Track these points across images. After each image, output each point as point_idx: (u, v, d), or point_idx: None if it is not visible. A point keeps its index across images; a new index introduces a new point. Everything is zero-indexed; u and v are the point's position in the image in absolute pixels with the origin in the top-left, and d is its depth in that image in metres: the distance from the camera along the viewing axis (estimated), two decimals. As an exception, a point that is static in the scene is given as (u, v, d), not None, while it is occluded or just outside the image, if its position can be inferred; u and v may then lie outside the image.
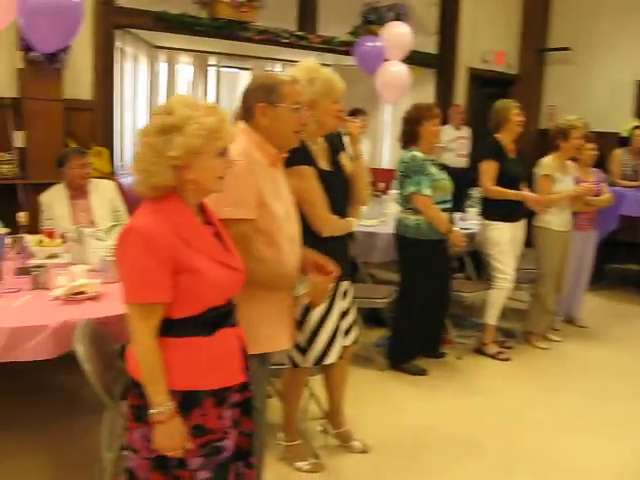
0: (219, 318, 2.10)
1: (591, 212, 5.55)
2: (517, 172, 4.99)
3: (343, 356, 3.31)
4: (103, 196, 4.67)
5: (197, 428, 2.04)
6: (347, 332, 3.40)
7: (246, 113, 2.60)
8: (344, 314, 3.35)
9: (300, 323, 3.09)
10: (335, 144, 3.28)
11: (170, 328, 2.00)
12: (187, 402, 2.03)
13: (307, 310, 3.10)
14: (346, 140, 3.36)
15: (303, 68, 3.08)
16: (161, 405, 1.97)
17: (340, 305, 3.26)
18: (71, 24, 3.77)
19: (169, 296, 1.96)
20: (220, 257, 2.09)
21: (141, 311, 1.96)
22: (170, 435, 1.99)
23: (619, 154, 7.36)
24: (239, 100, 2.68)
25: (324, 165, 3.16)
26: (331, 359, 3.21)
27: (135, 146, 2.03)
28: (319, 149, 3.17)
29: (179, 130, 1.93)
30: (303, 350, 3.17)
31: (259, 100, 2.56)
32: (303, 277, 2.65)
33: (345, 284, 3.35)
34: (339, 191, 3.20)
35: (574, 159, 5.61)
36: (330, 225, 3.10)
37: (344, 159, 3.29)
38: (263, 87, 2.58)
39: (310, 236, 2.93)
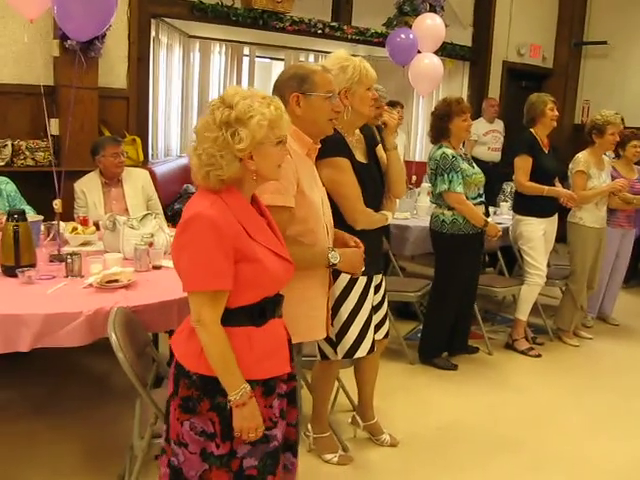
0: (272, 309, 2.12)
1: (630, 210, 5.45)
2: (551, 167, 4.93)
3: (375, 349, 3.29)
4: (136, 185, 4.69)
5: None
6: (378, 326, 3.38)
7: None
8: (376, 308, 3.34)
9: (332, 316, 3.07)
10: (371, 136, 3.26)
11: (227, 318, 2.01)
12: None
13: (338, 303, 3.10)
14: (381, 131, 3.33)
15: (334, 57, 3.07)
16: (239, 388, 1.99)
17: (371, 298, 3.24)
18: (105, 13, 3.78)
19: (232, 284, 1.97)
20: (275, 247, 2.10)
21: (209, 298, 1.96)
22: (251, 416, 2.01)
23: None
24: (272, 90, 2.68)
25: (360, 157, 3.14)
26: (361, 353, 3.19)
27: (194, 142, 2.03)
28: (356, 141, 3.15)
29: (243, 123, 1.94)
30: (333, 343, 3.16)
31: (292, 90, 2.58)
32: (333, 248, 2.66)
33: (378, 278, 3.34)
34: (374, 184, 3.18)
35: (617, 155, 5.55)
36: (364, 218, 3.08)
37: (380, 152, 3.27)
38: (295, 77, 2.59)
39: (343, 228, 2.92)
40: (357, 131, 3.19)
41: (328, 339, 3.12)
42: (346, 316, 3.13)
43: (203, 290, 1.95)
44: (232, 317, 2.01)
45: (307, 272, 2.61)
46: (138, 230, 3.63)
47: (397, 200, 3.42)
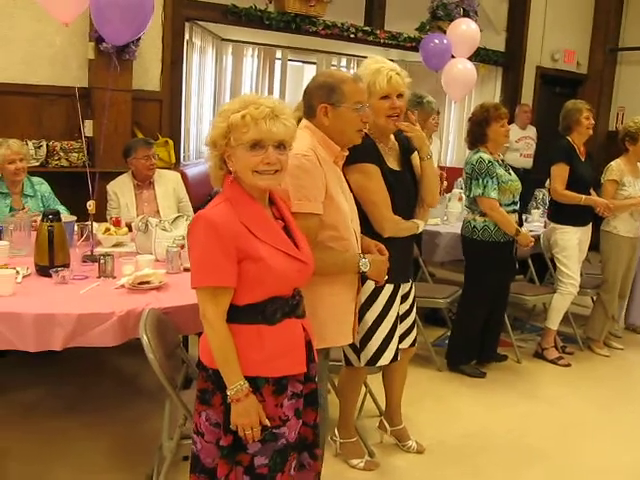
0: (285, 308, 2.15)
1: None
2: (588, 175, 4.89)
3: (399, 358, 3.25)
4: (168, 187, 4.74)
5: None
6: (405, 335, 3.36)
7: (308, 111, 2.61)
8: (403, 317, 3.32)
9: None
10: (407, 143, 3.23)
11: (234, 315, 2.08)
12: None
13: (364, 310, 3.08)
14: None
15: (364, 65, 3.05)
16: (235, 384, 2.05)
17: (398, 307, 3.21)
18: (141, 18, 3.83)
19: (234, 281, 2.05)
20: (284, 247, 2.14)
21: (211, 295, 2.04)
22: (247, 413, 2.06)
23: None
24: (302, 97, 2.69)
25: (393, 164, 3.12)
26: (384, 361, 3.16)
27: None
28: (389, 148, 3.13)
29: (213, 123, 2.13)
30: (357, 350, 3.15)
31: (321, 100, 2.56)
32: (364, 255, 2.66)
33: (406, 287, 3.31)
34: (406, 192, 3.14)
35: None
36: (392, 225, 3.04)
37: (415, 159, 3.23)
38: (324, 86, 2.57)
39: (371, 235, 2.89)
40: (392, 137, 3.17)
41: (352, 345, 3.11)
42: (370, 323, 3.11)
43: (204, 286, 2.05)
44: (240, 314, 2.09)
45: (337, 277, 2.62)
46: (170, 232, 3.66)
47: (430, 209, 3.37)
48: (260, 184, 2.11)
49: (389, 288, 3.12)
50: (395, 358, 3.20)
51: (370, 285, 3.02)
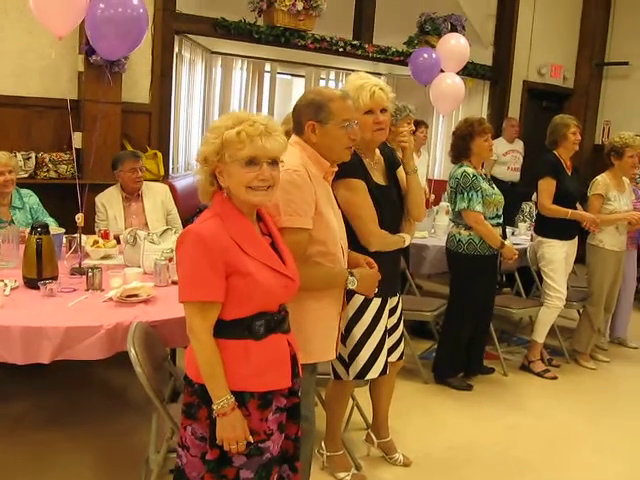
0: (271, 324, 2.17)
1: (632, 231, 5.35)
2: (574, 190, 4.93)
3: (387, 372, 3.28)
4: (156, 199, 4.76)
5: None
6: (393, 348, 3.39)
7: (297, 127, 2.65)
8: (391, 330, 3.34)
9: (344, 337, 3.10)
10: (392, 158, 3.27)
11: (221, 329, 2.10)
12: None
13: (352, 324, 3.11)
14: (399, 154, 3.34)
15: (347, 82, 3.09)
16: (221, 398, 2.07)
17: (386, 321, 3.23)
18: (136, 34, 3.86)
19: (222, 296, 2.06)
20: (272, 264, 2.17)
21: (199, 309, 2.06)
22: (232, 427, 2.08)
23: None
24: (291, 113, 2.72)
25: (379, 179, 3.14)
26: (373, 375, 3.19)
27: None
28: (374, 162, 3.16)
29: (204, 139, 2.14)
30: (346, 364, 3.17)
31: (308, 117, 2.59)
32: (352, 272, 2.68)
33: (394, 300, 3.34)
34: (392, 206, 3.17)
35: None
36: (379, 240, 3.06)
37: (401, 174, 3.27)
38: (313, 104, 2.60)
39: (358, 250, 2.92)
40: (377, 152, 3.20)
41: (341, 359, 3.14)
42: (359, 337, 3.13)
43: (192, 300, 2.07)
44: (227, 329, 2.11)
45: (323, 292, 2.65)
46: (158, 245, 3.68)
47: (416, 223, 3.41)
48: (253, 200, 2.13)
49: (377, 302, 3.14)
50: (384, 371, 3.22)
51: (358, 299, 3.05)
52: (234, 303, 2.09)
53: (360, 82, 3.00)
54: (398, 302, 3.40)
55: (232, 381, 2.08)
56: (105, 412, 3.92)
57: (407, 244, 3.28)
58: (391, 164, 3.25)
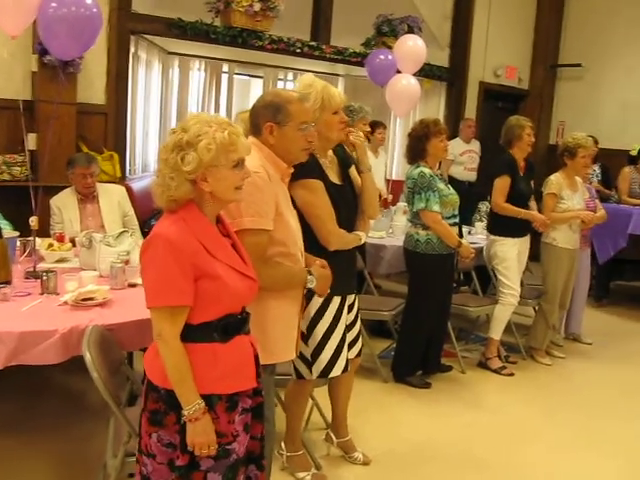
0: (235, 325, 2.17)
1: (585, 230, 5.45)
2: (526, 190, 5.03)
3: (349, 369, 3.31)
4: (112, 201, 4.71)
5: None
6: (351, 345, 3.41)
7: (255, 129, 2.66)
8: (349, 327, 3.37)
9: (306, 336, 3.13)
10: (345, 157, 3.30)
11: (188, 334, 2.08)
12: None
13: (313, 324, 3.14)
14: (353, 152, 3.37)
15: (300, 84, 3.11)
16: (192, 404, 2.05)
17: (345, 318, 3.26)
18: (89, 34, 3.81)
19: (191, 300, 2.05)
20: (237, 265, 2.17)
21: (168, 314, 2.03)
22: (204, 432, 2.07)
23: (628, 172, 7.38)
24: (249, 115, 2.73)
25: (334, 178, 3.18)
26: (336, 372, 3.22)
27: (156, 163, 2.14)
28: (329, 162, 3.18)
29: (192, 146, 2.02)
30: (309, 363, 3.19)
31: (266, 119, 2.61)
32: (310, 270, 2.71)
33: (351, 298, 3.37)
34: (348, 205, 3.21)
35: None
36: (337, 239, 3.10)
37: (354, 173, 3.30)
38: (271, 105, 2.62)
39: (316, 249, 2.96)
40: (330, 152, 3.22)
41: (303, 359, 3.17)
42: (321, 336, 3.15)
43: (161, 305, 2.04)
44: (195, 333, 2.08)
45: (283, 292, 2.66)
46: (114, 247, 3.65)
47: (371, 221, 3.45)
48: (237, 199, 2.17)
49: (337, 300, 3.17)
50: (346, 368, 3.26)
51: (319, 299, 3.07)
52: (202, 307, 2.07)
53: (323, 83, 3.05)
54: (355, 299, 3.43)
55: (201, 385, 2.07)
56: (63, 417, 3.86)
57: (363, 242, 3.33)
58: (344, 163, 3.29)
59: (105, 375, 2.47)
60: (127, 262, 3.50)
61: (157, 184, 2.08)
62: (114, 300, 3.14)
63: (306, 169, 2.95)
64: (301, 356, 3.15)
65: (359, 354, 3.53)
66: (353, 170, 3.31)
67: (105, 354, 2.58)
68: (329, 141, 3.11)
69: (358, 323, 3.48)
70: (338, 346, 3.20)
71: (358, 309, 3.48)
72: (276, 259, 2.61)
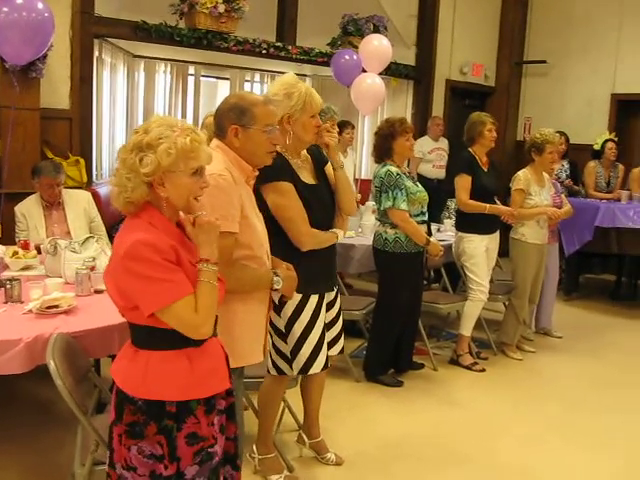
0: None
1: (552, 225, 5.51)
2: (491, 185, 5.06)
3: (329, 365, 3.32)
4: (78, 207, 4.66)
5: (192, 436, 2.08)
6: (334, 342, 3.44)
7: (219, 131, 2.65)
8: (331, 324, 3.39)
9: (284, 334, 3.16)
10: (319, 156, 3.32)
11: (161, 340, 2.05)
12: (182, 412, 2.07)
13: (291, 322, 3.16)
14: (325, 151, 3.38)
15: (282, 82, 3.11)
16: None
17: (324, 316, 3.28)
18: (42, 38, 3.77)
19: (192, 288, 2.01)
20: None
21: (187, 304, 1.99)
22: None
23: (593, 167, 7.48)
24: (214, 117, 2.72)
25: (308, 178, 3.19)
26: (316, 369, 3.24)
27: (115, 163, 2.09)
28: (302, 162, 3.20)
29: (152, 148, 1.99)
30: (288, 360, 3.21)
31: (231, 121, 2.60)
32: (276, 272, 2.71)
33: (331, 295, 3.38)
34: (324, 204, 3.23)
35: None
36: (310, 239, 3.11)
37: (329, 170, 3.32)
38: (235, 108, 2.61)
39: (291, 250, 3.00)
40: (304, 152, 3.23)
41: (283, 356, 3.21)
42: (299, 334, 3.17)
43: (172, 302, 1.97)
44: (170, 338, 2.04)
45: (250, 294, 2.66)
46: (80, 254, 3.61)
47: (349, 217, 3.47)
48: (192, 209, 2.11)
49: (314, 298, 3.20)
50: (326, 366, 3.28)
51: (296, 297, 3.09)
52: None
53: (306, 85, 3.11)
54: (336, 296, 3.44)
55: (179, 392, 2.05)
56: (31, 427, 3.81)
57: (341, 239, 3.35)
58: (319, 162, 3.30)
59: (70, 383, 2.45)
60: (93, 268, 3.47)
61: (114, 184, 2.04)
62: (80, 307, 3.11)
63: (276, 172, 2.97)
64: (280, 353, 3.20)
65: (341, 351, 3.55)
66: (329, 168, 3.32)
67: (70, 362, 2.55)
68: (302, 142, 3.13)
69: (340, 320, 3.49)
70: (317, 343, 3.22)
71: (340, 306, 3.49)
72: (242, 262, 2.60)
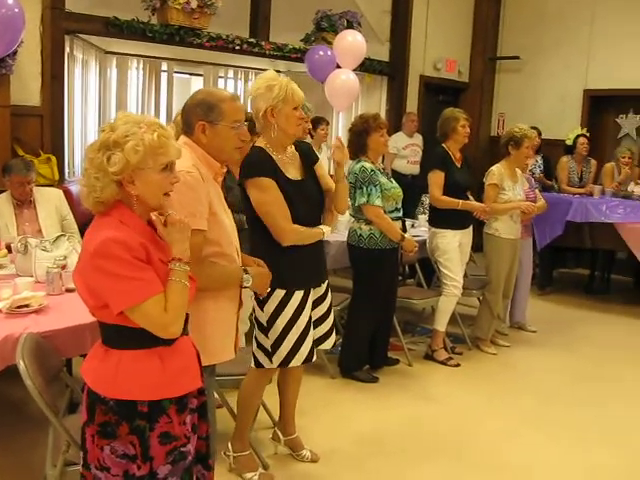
0: None
1: (526, 220, 5.54)
2: (464, 181, 5.08)
3: (313, 359, 3.34)
4: (49, 205, 4.60)
5: (164, 436, 2.08)
6: (326, 336, 3.45)
7: (187, 128, 2.63)
8: (322, 319, 3.41)
9: (266, 329, 3.18)
10: (309, 154, 3.33)
11: (131, 339, 2.03)
12: (154, 412, 2.06)
13: (273, 317, 3.17)
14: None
15: (263, 78, 3.13)
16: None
17: (310, 311, 3.28)
18: (12, 34, 3.72)
19: (162, 286, 2.01)
20: None
21: (157, 303, 1.98)
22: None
23: (566, 162, 7.55)
24: (181, 113, 2.70)
25: (293, 174, 3.19)
26: (296, 362, 3.25)
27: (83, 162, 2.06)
28: (288, 157, 3.20)
29: (119, 146, 1.97)
30: (269, 353, 3.22)
31: (199, 117, 2.58)
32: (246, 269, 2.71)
33: (320, 289, 3.39)
34: (309, 200, 3.23)
35: None
36: (291, 235, 3.12)
37: (319, 169, 3.33)
38: (203, 104, 2.59)
39: (275, 245, 3.06)
40: (292, 148, 3.24)
41: (264, 349, 3.22)
42: (281, 329, 3.19)
43: (141, 301, 1.96)
44: (141, 338, 2.03)
45: (220, 292, 2.65)
46: (51, 252, 3.57)
47: (338, 215, 3.51)
48: (164, 205, 2.09)
49: (299, 294, 3.20)
50: (308, 359, 3.29)
51: (280, 293, 3.13)
52: None
53: (287, 79, 3.12)
54: (326, 291, 3.44)
55: (150, 392, 2.04)
56: (5, 428, 3.76)
57: (327, 236, 3.36)
58: (308, 158, 3.30)
59: (40, 383, 2.42)
60: (64, 267, 3.43)
61: (83, 184, 2.02)
62: (50, 306, 3.08)
63: (257, 168, 3.01)
64: (261, 347, 3.22)
65: (334, 345, 3.58)
66: (319, 166, 3.34)
67: (40, 362, 2.52)
68: (287, 136, 3.14)
69: (331, 316, 3.50)
70: (299, 338, 3.22)
71: (331, 301, 3.50)
72: (211, 259, 2.59)
